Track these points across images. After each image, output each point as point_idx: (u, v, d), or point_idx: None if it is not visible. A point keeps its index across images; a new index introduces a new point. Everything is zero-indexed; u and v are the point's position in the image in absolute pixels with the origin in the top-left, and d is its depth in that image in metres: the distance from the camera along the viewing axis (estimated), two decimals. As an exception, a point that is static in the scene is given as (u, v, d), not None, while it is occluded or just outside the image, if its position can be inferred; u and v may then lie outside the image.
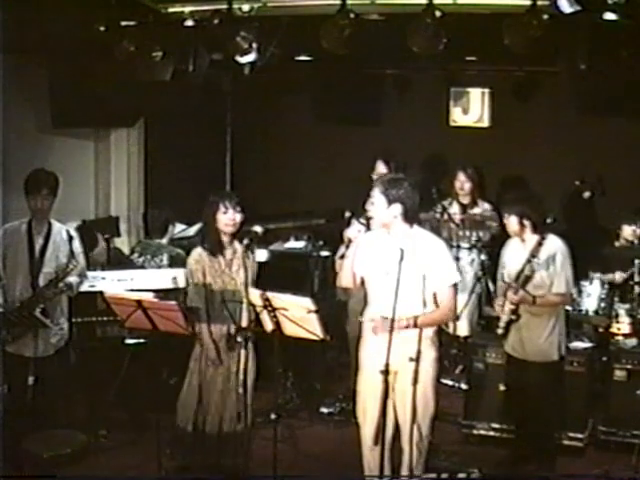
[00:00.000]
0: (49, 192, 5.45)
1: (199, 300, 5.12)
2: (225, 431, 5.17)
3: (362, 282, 4.85)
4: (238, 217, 5.10)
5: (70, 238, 5.44)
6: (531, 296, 5.28)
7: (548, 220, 6.81)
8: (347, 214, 6.80)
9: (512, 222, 5.41)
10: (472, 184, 7.39)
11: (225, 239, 5.15)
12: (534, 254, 5.29)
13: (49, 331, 5.48)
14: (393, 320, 4.36)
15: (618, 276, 6.30)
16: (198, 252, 5.17)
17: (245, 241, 5.06)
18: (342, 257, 4.94)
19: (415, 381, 4.51)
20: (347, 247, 4.87)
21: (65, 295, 5.59)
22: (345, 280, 4.87)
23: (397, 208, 4.62)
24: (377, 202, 4.66)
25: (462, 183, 7.39)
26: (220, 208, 5.08)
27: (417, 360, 4.50)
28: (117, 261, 6.66)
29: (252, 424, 5.20)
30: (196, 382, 5.19)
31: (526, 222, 5.36)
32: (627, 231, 6.53)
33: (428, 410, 4.69)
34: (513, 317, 5.32)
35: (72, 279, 5.49)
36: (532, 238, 5.37)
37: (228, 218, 5.09)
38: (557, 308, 5.42)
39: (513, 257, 5.48)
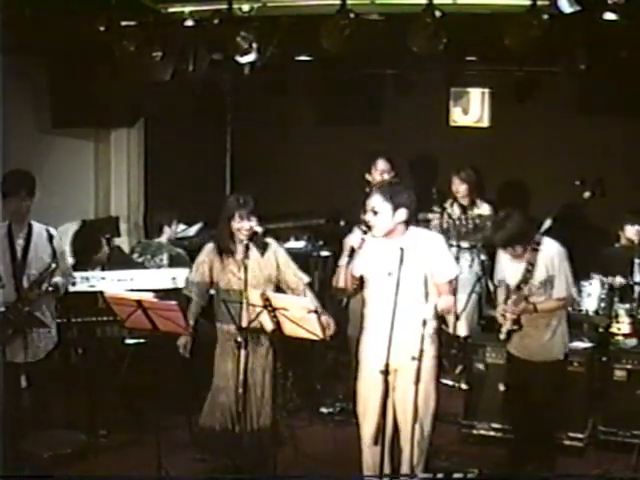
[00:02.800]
0: (27, 194, 5.34)
1: (196, 292, 5.28)
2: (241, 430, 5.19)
3: (362, 284, 4.83)
4: (252, 224, 5.13)
5: (50, 237, 5.37)
6: (532, 305, 5.24)
7: (548, 221, 6.86)
8: (342, 223, 6.81)
9: (510, 252, 5.32)
10: (468, 186, 7.39)
11: (238, 241, 5.19)
12: (531, 262, 5.24)
13: (37, 335, 5.40)
14: (393, 324, 4.36)
15: (617, 281, 6.27)
16: (210, 247, 5.28)
17: (245, 241, 5.10)
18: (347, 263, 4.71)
19: (417, 380, 4.49)
20: (350, 256, 4.63)
21: (52, 297, 5.51)
22: (341, 282, 4.78)
23: (403, 213, 4.59)
24: (382, 210, 4.57)
25: (457, 186, 7.41)
26: (235, 217, 5.12)
27: (419, 359, 4.50)
28: (119, 260, 6.65)
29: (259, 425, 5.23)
30: (215, 378, 5.30)
31: (526, 239, 5.29)
32: (630, 231, 6.52)
33: (429, 408, 4.70)
34: (515, 327, 5.26)
35: (57, 279, 5.44)
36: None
37: (242, 227, 5.13)
38: (559, 310, 5.41)
39: (509, 264, 5.41)
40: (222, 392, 5.25)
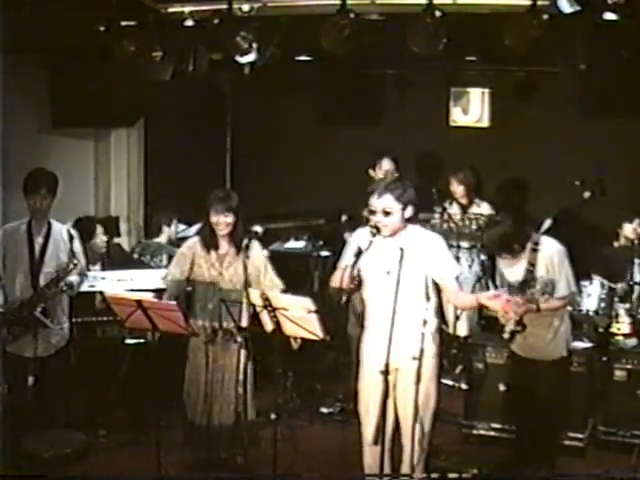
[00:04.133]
0: (48, 192, 5.44)
1: (175, 287, 5.29)
2: (224, 429, 5.22)
3: (359, 283, 4.81)
4: (228, 219, 5.17)
5: (71, 238, 5.43)
6: (535, 305, 5.24)
7: (548, 221, 6.86)
8: (344, 217, 6.79)
9: (505, 256, 5.36)
10: (465, 187, 7.39)
11: (220, 236, 5.22)
12: (532, 262, 5.25)
13: (49, 331, 5.48)
14: (393, 321, 4.36)
15: (619, 286, 6.26)
16: (193, 240, 5.34)
17: (245, 241, 5.11)
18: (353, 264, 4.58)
19: (418, 379, 4.50)
20: (357, 256, 4.49)
21: (66, 295, 5.59)
22: (345, 282, 4.64)
23: (410, 211, 4.61)
24: (394, 210, 4.55)
25: (454, 187, 7.44)
26: (211, 211, 5.19)
27: (420, 359, 4.50)
28: (119, 258, 6.64)
29: (252, 424, 5.23)
30: (192, 374, 5.32)
31: (515, 246, 5.29)
32: (627, 229, 6.54)
33: (429, 407, 4.70)
34: (519, 328, 5.26)
35: (73, 278, 5.50)
36: (526, 248, 5.32)
37: (217, 220, 5.18)
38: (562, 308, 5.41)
39: (508, 265, 5.42)
40: (193, 386, 5.30)
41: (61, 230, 5.52)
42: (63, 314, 5.64)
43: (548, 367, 5.35)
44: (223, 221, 5.16)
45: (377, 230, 4.55)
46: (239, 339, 5.00)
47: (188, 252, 5.30)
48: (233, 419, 5.19)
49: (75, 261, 5.36)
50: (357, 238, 4.66)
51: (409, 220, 4.65)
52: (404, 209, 4.58)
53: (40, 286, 5.39)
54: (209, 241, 5.26)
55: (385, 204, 4.56)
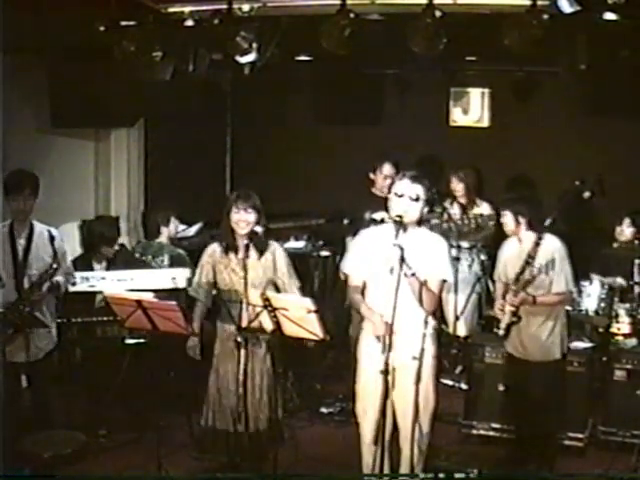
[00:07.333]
0: (31, 193, 5.35)
1: (203, 294, 5.29)
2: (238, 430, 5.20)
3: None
4: (250, 218, 5.10)
5: (52, 238, 5.33)
6: (531, 297, 5.29)
7: (547, 220, 6.87)
8: (346, 221, 6.79)
9: (508, 219, 5.43)
10: (465, 186, 7.41)
11: (239, 238, 5.17)
12: (532, 255, 5.31)
13: (38, 334, 5.40)
14: (393, 322, 4.36)
15: (618, 282, 6.27)
16: (213, 247, 5.28)
17: (245, 241, 5.09)
18: None
19: (417, 379, 4.50)
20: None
21: (52, 297, 5.52)
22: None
23: (426, 210, 4.64)
24: (422, 197, 4.57)
25: (455, 185, 7.45)
26: (233, 209, 5.13)
27: (420, 358, 4.50)
28: (124, 258, 6.62)
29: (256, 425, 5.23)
30: (213, 378, 5.28)
31: (521, 219, 5.38)
32: (617, 231, 6.55)
33: (429, 407, 4.69)
34: (514, 319, 5.32)
35: (59, 278, 5.45)
36: (529, 238, 5.38)
37: (239, 219, 5.11)
38: (558, 307, 5.43)
39: (510, 257, 5.49)
40: (221, 392, 5.25)
41: (42, 231, 5.42)
42: (51, 316, 5.55)
43: (542, 368, 5.37)
44: (245, 218, 5.08)
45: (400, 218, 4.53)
46: (239, 339, 4.98)
47: (209, 260, 5.26)
48: (267, 424, 5.22)
49: (57, 262, 5.27)
50: (367, 240, 4.68)
51: (420, 221, 4.67)
52: (426, 203, 4.61)
53: (24, 289, 5.30)
54: (229, 244, 5.19)
55: (417, 190, 4.58)
